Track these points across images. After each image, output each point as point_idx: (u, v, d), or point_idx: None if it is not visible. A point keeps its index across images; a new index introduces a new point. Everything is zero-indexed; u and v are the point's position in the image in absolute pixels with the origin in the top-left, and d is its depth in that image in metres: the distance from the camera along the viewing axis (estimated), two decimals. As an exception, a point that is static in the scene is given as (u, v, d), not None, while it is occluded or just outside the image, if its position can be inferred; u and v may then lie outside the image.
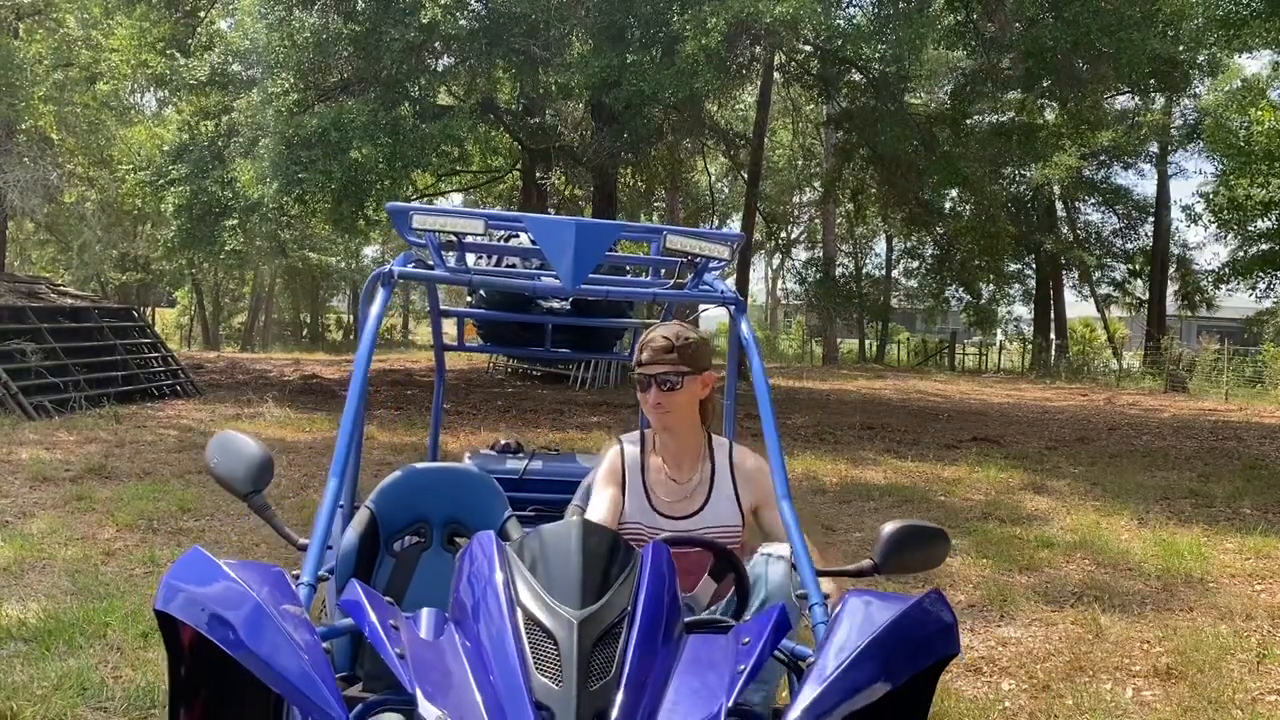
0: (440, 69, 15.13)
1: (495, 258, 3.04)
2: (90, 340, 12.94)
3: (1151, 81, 16.50)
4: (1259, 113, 16.52)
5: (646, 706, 1.56)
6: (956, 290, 29.43)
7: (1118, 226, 32.88)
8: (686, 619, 1.91)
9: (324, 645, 1.61)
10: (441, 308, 3.44)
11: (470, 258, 2.75)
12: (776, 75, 20.30)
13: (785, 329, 45.54)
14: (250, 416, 11.40)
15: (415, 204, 2.82)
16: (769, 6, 11.15)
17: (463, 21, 14.25)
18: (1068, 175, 27.92)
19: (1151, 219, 30.86)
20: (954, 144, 17.03)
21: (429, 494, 2.81)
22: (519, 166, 21.93)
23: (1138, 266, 31.58)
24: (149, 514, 6.22)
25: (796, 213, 35.62)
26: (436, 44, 14.30)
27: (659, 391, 2.53)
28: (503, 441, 3.73)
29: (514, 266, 3.07)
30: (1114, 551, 6.19)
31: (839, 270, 33.82)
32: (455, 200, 31.79)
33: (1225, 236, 25.14)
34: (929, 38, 14.13)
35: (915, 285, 35.06)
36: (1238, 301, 30.00)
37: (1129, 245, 32.48)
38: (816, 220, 34.70)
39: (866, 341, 35.91)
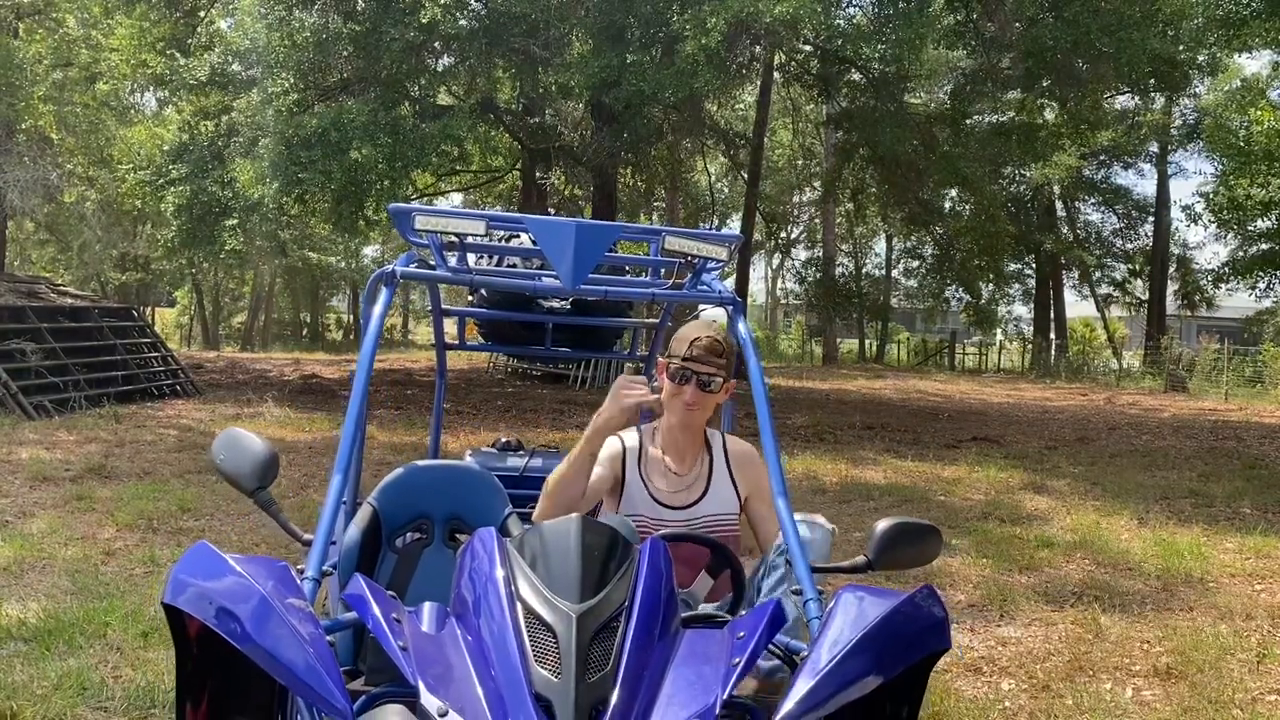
0: (440, 69, 15.12)
1: (496, 258, 3.06)
2: (90, 340, 12.94)
3: (1151, 81, 16.48)
4: (1259, 113, 16.53)
5: (643, 698, 1.59)
6: (956, 290, 29.42)
7: (1118, 226, 32.91)
8: (683, 614, 1.93)
9: (328, 639, 1.63)
10: (443, 307, 3.46)
11: (471, 258, 2.77)
12: (776, 75, 20.30)
13: (785, 329, 45.54)
14: (250, 416, 11.40)
15: (417, 205, 2.83)
16: (769, 6, 11.15)
17: (463, 21, 14.23)
18: (1068, 175, 27.95)
19: (1151, 219, 30.88)
20: (954, 144, 17.02)
21: (431, 491, 2.85)
22: (519, 166, 21.93)
23: (1138, 266, 31.60)
24: (149, 514, 6.22)
25: (796, 213, 35.61)
26: (436, 44, 14.29)
27: (697, 390, 2.60)
28: (503, 440, 3.76)
29: (515, 266, 3.08)
30: (1114, 551, 6.19)
31: (839, 270, 33.83)
32: (455, 200, 31.78)
33: (1225, 236, 25.17)
34: (929, 38, 14.12)
35: (915, 285, 35.06)
36: (1238, 301, 30.02)
37: (1129, 245, 32.51)
38: (816, 220, 34.69)
39: (866, 341, 35.91)
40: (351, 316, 44.19)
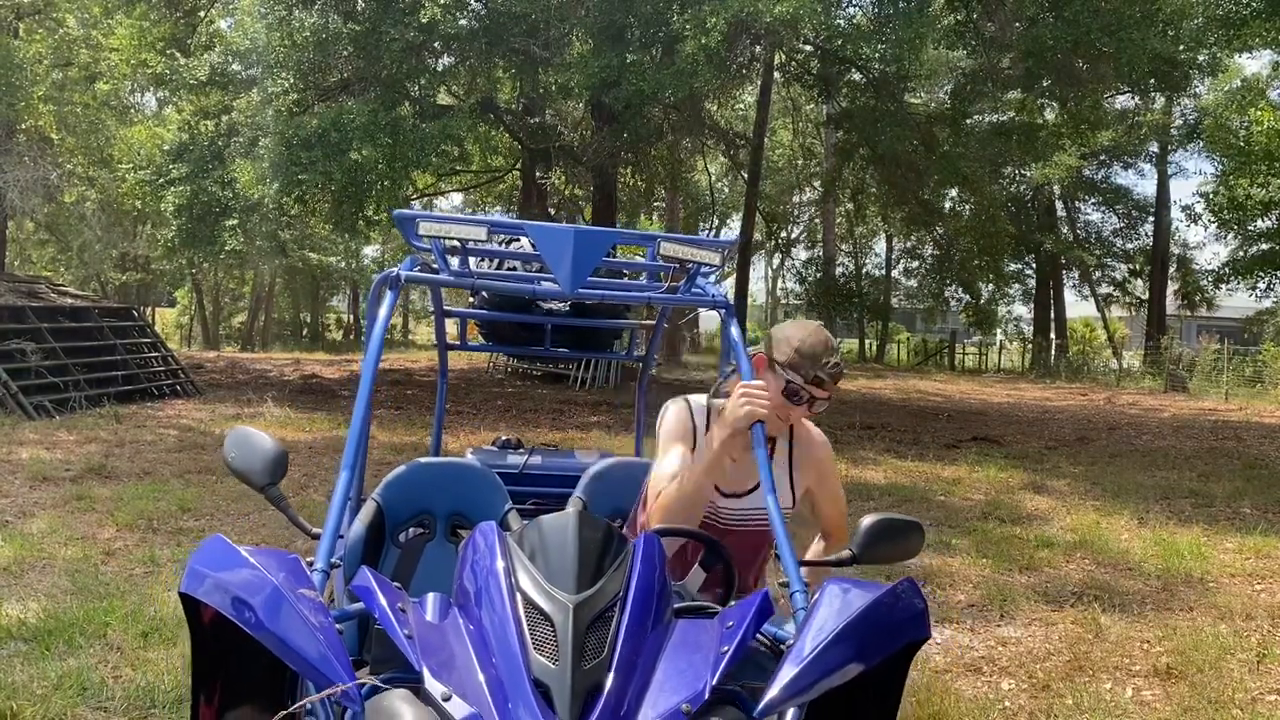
0: (440, 69, 15.12)
1: (497, 261, 3.13)
2: (90, 340, 12.94)
3: (1151, 81, 16.47)
4: (1259, 113, 16.54)
5: (636, 684, 1.66)
6: (956, 290, 29.44)
7: (1118, 226, 32.91)
8: (676, 605, 2.01)
9: (336, 627, 1.71)
10: (445, 308, 3.52)
11: (473, 262, 2.83)
12: (776, 75, 20.29)
13: (785, 329, 45.45)
14: (250, 416, 11.40)
15: (421, 211, 2.92)
16: (769, 6, 11.15)
17: (463, 21, 14.24)
18: (1068, 175, 27.94)
19: (1151, 219, 30.88)
20: (954, 144, 17.02)
21: (433, 488, 2.94)
22: (519, 166, 21.94)
23: (1138, 266, 31.60)
24: (149, 514, 6.22)
25: (796, 213, 35.60)
26: (436, 44, 14.30)
27: (805, 411, 2.52)
28: (503, 438, 3.85)
29: (515, 269, 3.14)
30: (1114, 551, 6.19)
31: (839, 270, 33.84)
32: (455, 200, 31.76)
33: (1225, 236, 25.17)
34: (929, 37, 14.12)
35: (915, 285, 35.07)
36: (1238, 301, 30.02)
37: (1129, 245, 32.51)
38: (816, 220, 34.69)
39: (866, 341, 35.90)
40: (351, 316, 44.19)
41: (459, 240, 2.53)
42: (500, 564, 1.84)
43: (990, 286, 29.53)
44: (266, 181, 13.16)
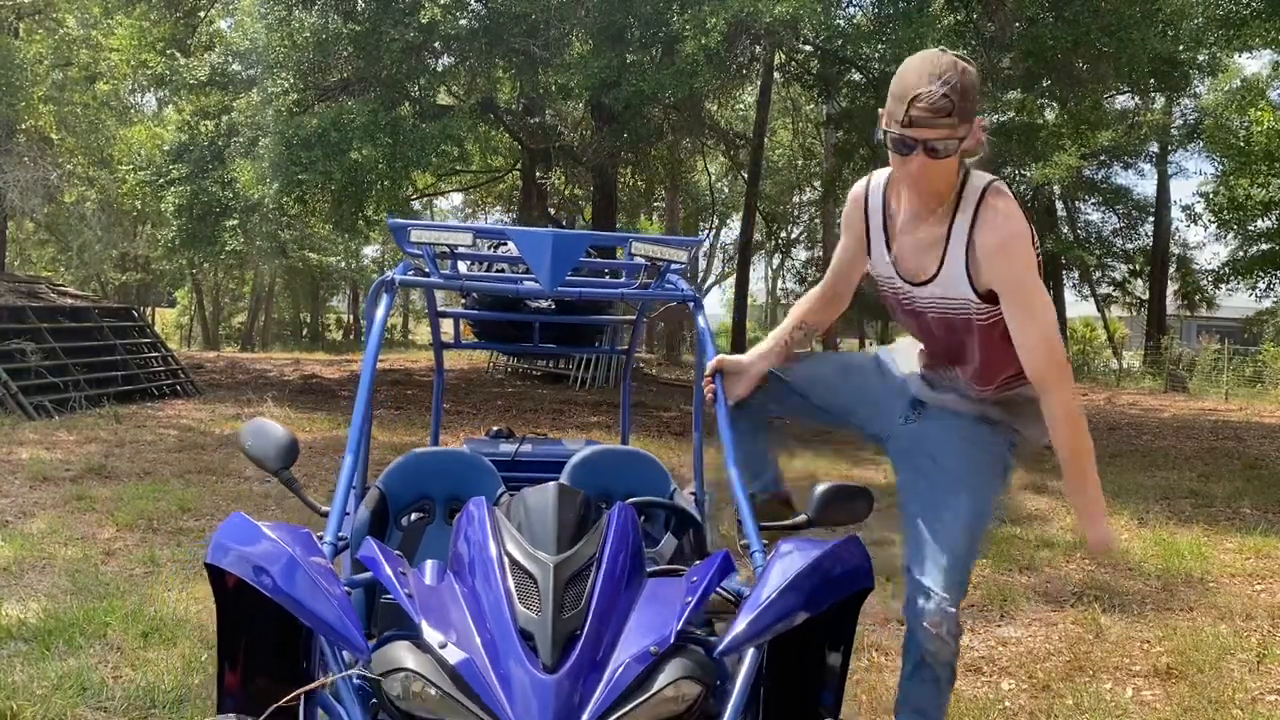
0: (440, 69, 15.11)
1: (485, 264, 3.33)
2: (90, 340, 12.93)
3: (1151, 81, 16.47)
4: (1259, 113, 16.53)
5: (610, 631, 1.88)
6: (956, 290, 29.38)
7: (1118, 226, 32.86)
8: (649, 569, 2.22)
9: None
10: (440, 309, 3.74)
11: (462, 265, 3.08)
12: (776, 75, 20.29)
13: (785, 329, 45.46)
14: (250, 416, 11.39)
15: (412, 220, 3.19)
16: (769, 6, 11.14)
17: (463, 21, 14.23)
18: (1068, 175, 27.90)
19: (1151, 219, 30.85)
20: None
21: (432, 475, 3.18)
22: (519, 166, 21.93)
23: (1138, 266, 31.56)
24: (149, 514, 6.22)
25: (796, 212, 35.58)
26: (436, 44, 14.29)
27: (925, 159, 2.17)
28: (495, 429, 4.12)
29: (502, 271, 3.33)
30: (1114, 552, 6.19)
31: (839, 270, 33.74)
32: (455, 200, 31.73)
33: (1225, 236, 25.14)
34: (929, 37, 14.08)
35: (915, 285, 34.97)
36: (1238, 301, 29.99)
37: (1129, 245, 32.46)
38: (816, 220, 34.65)
39: (866, 341, 35.88)
40: (351, 316, 44.17)
41: (448, 246, 2.76)
42: (490, 532, 2.05)
43: (990, 286, 29.49)
44: (266, 181, 13.15)
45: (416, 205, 25.88)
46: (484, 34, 13.75)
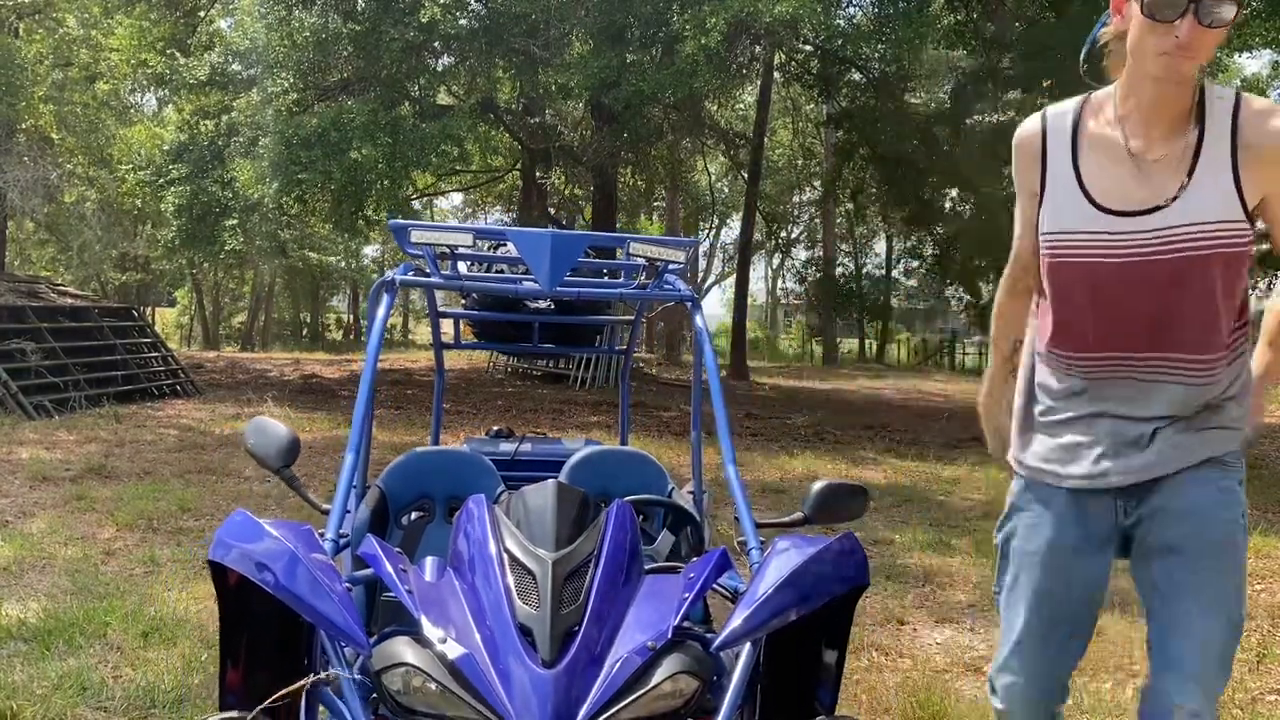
0: (440, 69, 15.12)
1: (485, 264, 3.35)
2: (90, 340, 12.93)
3: (1152, 81, 16.47)
4: (1259, 112, 16.49)
5: (608, 627, 1.89)
6: (956, 290, 29.41)
7: (1118, 226, 32.85)
8: (647, 566, 2.23)
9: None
10: (440, 309, 3.75)
11: (462, 266, 3.08)
12: (776, 75, 20.30)
13: (785, 329, 45.54)
14: (250, 416, 11.39)
15: (413, 221, 3.24)
16: (769, 6, 11.15)
17: (463, 21, 14.25)
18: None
19: (1151, 219, 30.83)
20: (954, 144, 17.03)
21: (432, 474, 3.20)
22: (519, 166, 21.94)
23: (1138, 266, 31.54)
24: (149, 514, 6.22)
25: (796, 212, 35.59)
26: (436, 44, 14.30)
27: (1195, 25, 1.71)
28: (495, 428, 4.14)
29: (502, 272, 3.34)
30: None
31: (839, 270, 33.82)
32: (456, 200, 31.72)
33: (1225, 236, 25.13)
34: (929, 37, 14.14)
35: (915, 285, 35.04)
36: (1238, 301, 29.96)
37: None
38: (816, 220, 34.67)
39: (866, 341, 35.90)
40: (351, 316, 44.19)
41: (448, 246, 2.77)
42: (489, 529, 2.07)
43: (990, 286, 29.49)
44: (266, 181, 13.16)
45: (416, 205, 25.86)
46: (484, 34, 13.76)
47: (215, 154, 14.69)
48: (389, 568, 1.96)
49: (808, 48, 16.82)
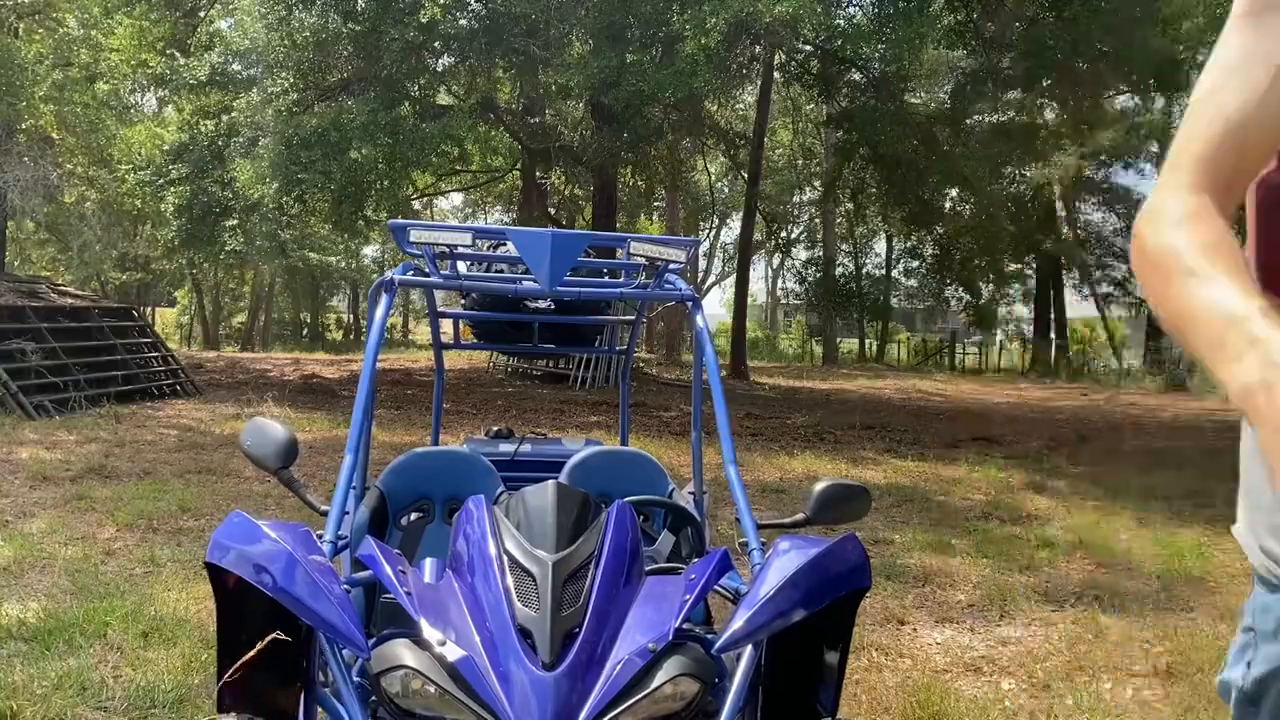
0: (440, 69, 15.13)
1: (484, 264, 3.34)
2: (90, 340, 12.93)
3: (1152, 81, 16.47)
4: (1259, 112, 16.48)
5: (609, 629, 1.88)
6: (956, 290, 29.41)
7: (1118, 226, 32.86)
8: (648, 568, 2.22)
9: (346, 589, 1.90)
10: (439, 310, 3.73)
11: (462, 265, 3.07)
12: (776, 75, 20.30)
13: (785, 329, 45.50)
14: (250, 416, 11.39)
15: (412, 220, 3.21)
16: (769, 6, 11.15)
17: (463, 21, 14.24)
18: (1068, 175, 27.91)
19: (1152, 219, 30.82)
20: (954, 144, 17.03)
21: (431, 475, 3.18)
22: (519, 166, 21.94)
23: (1138, 266, 31.53)
24: (149, 514, 6.22)
25: (796, 212, 35.57)
26: (436, 44, 14.30)
27: None
28: (495, 428, 4.11)
29: (501, 271, 3.33)
30: (1114, 551, 6.19)
31: (839, 270, 33.80)
32: (455, 200, 31.71)
33: (1225, 236, 25.10)
34: (929, 37, 14.12)
35: (915, 285, 35.00)
36: (1238, 301, 29.93)
37: (1130, 245, 32.45)
38: (816, 220, 34.66)
39: (866, 341, 35.88)
40: (351, 316, 44.17)
41: (447, 246, 2.75)
42: (489, 531, 2.06)
43: (990, 286, 29.50)
44: (266, 181, 13.16)
45: (416, 205, 25.87)
46: (484, 34, 13.76)
47: (215, 154, 14.70)
48: (388, 569, 1.95)
49: (808, 48, 16.82)
